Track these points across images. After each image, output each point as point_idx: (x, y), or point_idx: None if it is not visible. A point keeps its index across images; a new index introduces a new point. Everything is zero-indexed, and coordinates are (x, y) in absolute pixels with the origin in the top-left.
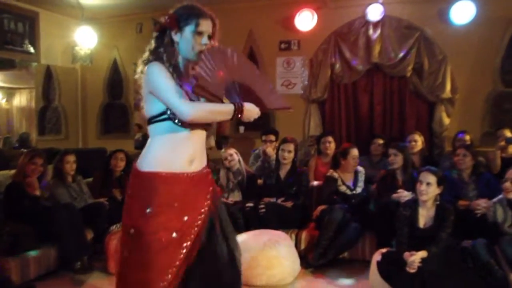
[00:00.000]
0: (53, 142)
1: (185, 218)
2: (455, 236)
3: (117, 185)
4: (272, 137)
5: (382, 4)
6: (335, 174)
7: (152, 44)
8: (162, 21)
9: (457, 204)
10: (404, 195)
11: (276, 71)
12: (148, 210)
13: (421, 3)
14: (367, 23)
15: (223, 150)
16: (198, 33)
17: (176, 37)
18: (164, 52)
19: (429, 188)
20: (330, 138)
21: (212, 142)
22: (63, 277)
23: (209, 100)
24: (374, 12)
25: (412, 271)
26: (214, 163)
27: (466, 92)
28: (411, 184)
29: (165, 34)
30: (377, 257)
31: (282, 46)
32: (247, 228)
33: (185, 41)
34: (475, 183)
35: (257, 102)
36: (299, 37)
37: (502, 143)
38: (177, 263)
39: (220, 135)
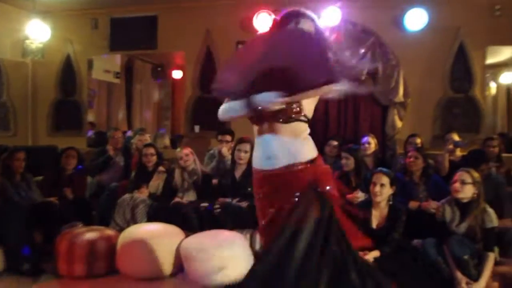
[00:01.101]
0: (0, 139)
1: (271, 210)
2: (406, 236)
3: (69, 184)
4: (228, 138)
5: (339, 8)
6: None
7: None
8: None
9: (408, 205)
10: (358, 196)
11: None
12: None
13: (376, 9)
14: (324, 26)
15: (178, 149)
16: None
17: None
18: None
19: (383, 189)
20: None
21: (167, 141)
22: (10, 279)
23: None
24: (331, 16)
25: None
26: (169, 162)
27: (417, 97)
28: (365, 186)
29: None
30: None
31: (239, 46)
32: (201, 228)
33: None
34: (425, 185)
35: (289, 82)
36: None
37: (451, 146)
38: None
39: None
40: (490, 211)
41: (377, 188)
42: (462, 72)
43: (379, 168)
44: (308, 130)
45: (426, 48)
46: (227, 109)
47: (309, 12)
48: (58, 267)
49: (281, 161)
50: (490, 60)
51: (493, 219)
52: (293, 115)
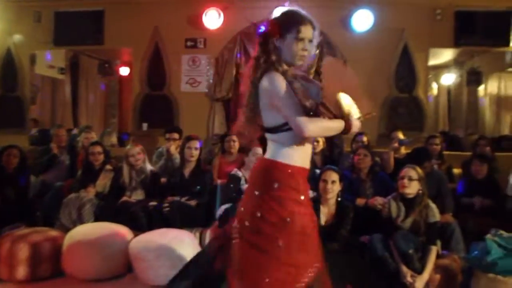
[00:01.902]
0: None
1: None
2: (354, 232)
3: (10, 183)
4: (176, 135)
5: (287, 7)
6: (239, 173)
7: (258, 51)
8: (264, 29)
9: (355, 202)
10: None
11: (181, 69)
12: (301, 198)
13: (324, 9)
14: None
15: (128, 146)
16: (299, 39)
17: (277, 43)
18: (275, 60)
19: (334, 185)
20: (234, 137)
21: (114, 139)
22: None
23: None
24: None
25: None
26: (116, 161)
27: (364, 96)
28: (313, 183)
29: (268, 41)
30: None
31: (188, 43)
32: (150, 227)
33: (287, 47)
34: (372, 182)
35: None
36: (205, 35)
37: (396, 144)
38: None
39: None
40: (433, 206)
41: (329, 185)
42: (407, 72)
43: (328, 166)
44: None
45: (372, 49)
46: (326, 128)
47: (309, 17)
48: None
49: None
50: (432, 62)
51: (435, 213)
52: None
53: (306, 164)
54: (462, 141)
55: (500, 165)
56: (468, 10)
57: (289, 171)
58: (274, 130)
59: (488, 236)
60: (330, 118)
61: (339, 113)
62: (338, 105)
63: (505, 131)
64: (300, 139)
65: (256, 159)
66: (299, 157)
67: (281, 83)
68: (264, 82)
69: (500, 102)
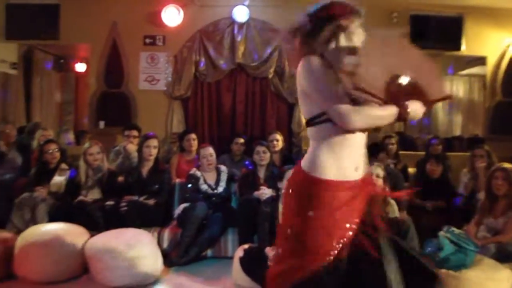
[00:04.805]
0: None
1: (347, 225)
2: None
3: None
4: (136, 133)
5: (247, 6)
6: (198, 173)
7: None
8: None
9: None
10: (265, 192)
11: (140, 66)
12: (310, 214)
13: (283, 8)
14: (232, 23)
15: (87, 144)
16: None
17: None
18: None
19: None
20: (194, 136)
21: (71, 137)
22: None
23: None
24: (240, 14)
25: None
26: (72, 159)
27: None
28: (272, 182)
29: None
30: (239, 253)
31: (147, 41)
32: (107, 227)
33: None
34: None
35: (420, 96)
36: (165, 32)
37: None
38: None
39: None
40: (393, 203)
41: None
42: None
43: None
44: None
45: None
46: (371, 117)
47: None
48: None
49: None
50: None
51: (395, 210)
52: None
53: (349, 175)
54: (415, 141)
55: (451, 164)
56: (423, 14)
57: (313, 183)
58: (309, 122)
59: (441, 233)
60: (380, 104)
61: (392, 98)
62: (392, 88)
63: (457, 132)
64: (342, 139)
65: (206, 160)
66: (339, 165)
67: (315, 65)
68: (301, 66)
69: (452, 104)
